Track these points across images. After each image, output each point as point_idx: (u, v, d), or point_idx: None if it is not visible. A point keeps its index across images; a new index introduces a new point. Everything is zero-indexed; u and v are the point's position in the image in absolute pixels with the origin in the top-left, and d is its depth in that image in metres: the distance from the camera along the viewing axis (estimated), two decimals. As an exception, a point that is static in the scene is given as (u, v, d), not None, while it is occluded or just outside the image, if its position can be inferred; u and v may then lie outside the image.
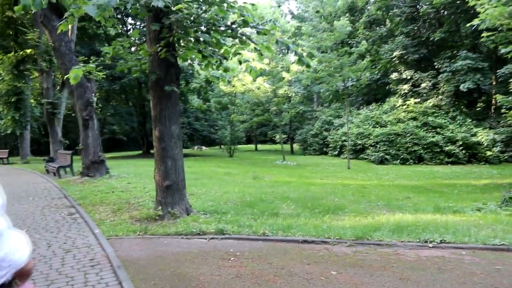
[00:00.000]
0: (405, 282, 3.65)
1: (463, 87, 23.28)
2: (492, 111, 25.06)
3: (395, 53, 27.42)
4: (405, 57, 27.40)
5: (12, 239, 0.95)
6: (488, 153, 22.32)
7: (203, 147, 42.65)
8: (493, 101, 24.17)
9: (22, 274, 1.05)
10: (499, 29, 12.42)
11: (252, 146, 47.74)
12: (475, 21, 10.96)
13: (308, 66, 5.81)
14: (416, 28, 28.26)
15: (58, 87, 22.41)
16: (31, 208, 8.10)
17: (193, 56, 6.72)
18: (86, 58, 15.87)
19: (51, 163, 16.03)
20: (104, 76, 15.07)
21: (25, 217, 7.18)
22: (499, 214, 7.09)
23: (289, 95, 30.22)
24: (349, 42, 30.00)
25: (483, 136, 22.15)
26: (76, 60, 12.98)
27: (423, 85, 26.52)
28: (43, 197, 9.61)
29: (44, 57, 20.38)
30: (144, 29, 9.91)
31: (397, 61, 28.03)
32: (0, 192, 0.89)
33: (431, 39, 26.26)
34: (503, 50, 12.76)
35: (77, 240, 5.50)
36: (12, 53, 22.63)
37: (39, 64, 21.79)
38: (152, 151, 6.85)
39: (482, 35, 12.70)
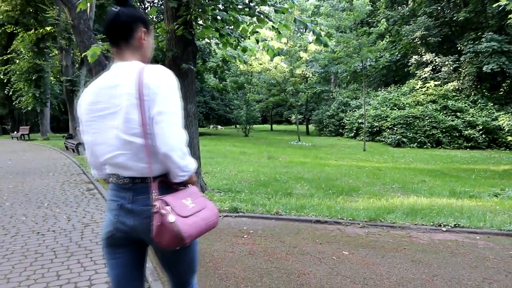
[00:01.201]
0: (416, 264, 3.66)
1: (486, 68, 22.73)
2: (516, 95, 24.50)
3: (416, 34, 26.82)
4: (427, 38, 26.77)
5: (189, 157, 1.67)
6: (509, 138, 21.90)
7: (219, 126, 42.80)
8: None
9: (192, 182, 1.78)
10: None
11: (267, 126, 47.76)
12: (502, 1, 10.63)
13: (326, 45, 5.75)
14: (439, 8, 27.54)
15: (77, 65, 22.65)
16: (52, 183, 8.32)
17: (211, 34, 6.70)
18: (104, 36, 16.02)
19: (71, 140, 16.33)
20: (122, 54, 15.18)
21: (46, 192, 7.37)
22: (516, 200, 7.00)
23: (306, 75, 29.96)
24: (369, 21, 29.45)
25: (505, 120, 21.72)
26: (95, 38, 13.04)
27: (444, 69, 25.96)
28: (62, 172, 9.83)
29: (64, 35, 20.55)
30: (162, 6, 9.88)
31: (418, 42, 27.43)
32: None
33: (455, 19, 25.58)
34: (529, 32, 12.36)
35: (95, 215, 5.65)
36: (32, 30, 22.87)
37: (58, 42, 22.01)
38: (168, 130, 6.91)
39: (509, 16, 12.32)
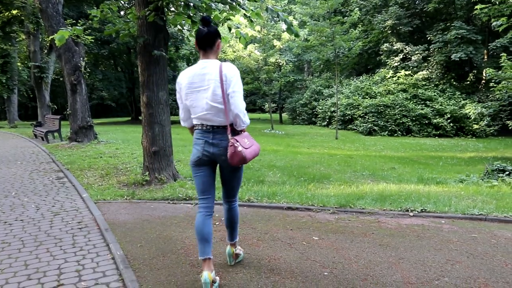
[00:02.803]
0: (384, 248, 3.77)
1: (455, 57, 23.27)
2: (482, 85, 25.19)
3: (387, 23, 27.14)
4: (398, 28, 27.15)
5: (247, 117, 2.93)
6: (475, 126, 22.58)
7: (193, 115, 42.41)
8: (483, 75, 24.28)
9: (244, 130, 3.01)
10: (492, 1, 12.34)
11: (241, 115, 47.56)
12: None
13: (297, 35, 5.76)
14: (410, -2, 27.94)
15: (46, 51, 21.97)
16: (19, 172, 8.11)
17: (183, 21, 6.62)
18: (74, 21, 15.57)
19: (39, 127, 15.92)
20: (93, 40, 14.80)
21: (13, 181, 7.20)
22: (480, 186, 7.25)
23: (280, 64, 29.96)
24: (342, 11, 29.61)
25: (471, 109, 22.34)
26: (64, 23, 12.70)
27: (414, 58, 26.42)
28: (31, 161, 9.60)
29: (31, 19, 19.87)
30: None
31: (389, 32, 27.79)
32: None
33: (425, 10, 26.02)
34: (494, 23, 12.70)
35: (65, 204, 5.56)
36: (-3, 13, 21.98)
37: (25, 26, 21.27)
38: (141, 118, 6.85)
39: (476, 7, 12.61)
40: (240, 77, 2.91)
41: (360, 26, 24.66)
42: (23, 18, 20.72)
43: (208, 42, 2.93)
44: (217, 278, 3.01)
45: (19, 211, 5.20)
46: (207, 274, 2.80)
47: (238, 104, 2.83)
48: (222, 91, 2.82)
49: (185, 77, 2.95)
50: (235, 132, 2.95)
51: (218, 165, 3.08)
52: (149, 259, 3.51)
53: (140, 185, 6.51)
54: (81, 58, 12.45)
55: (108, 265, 3.43)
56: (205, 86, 2.87)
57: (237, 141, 2.81)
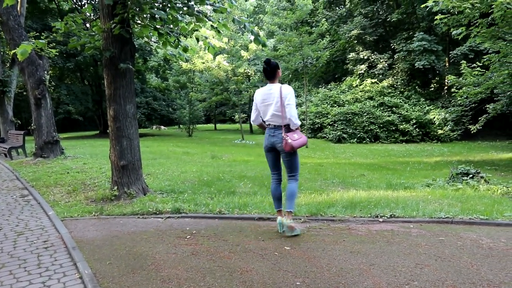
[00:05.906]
0: (355, 255, 3.81)
1: (418, 65, 24.02)
2: (445, 91, 26.03)
3: (353, 32, 27.74)
4: (363, 37, 27.80)
5: (298, 120, 4.40)
6: (440, 131, 23.25)
7: (162, 127, 41.96)
8: (446, 82, 25.10)
9: (298, 128, 4.45)
10: (451, 11, 12.81)
11: (211, 126, 47.53)
12: (429, 2, 11.22)
13: (264, 45, 5.81)
14: (374, 9, 28.66)
15: (8, 64, 21.33)
16: (-20, 191, 7.80)
17: (150, 33, 6.57)
18: (37, 34, 15.20)
19: (2, 144, 15.37)
20: (57, 54, 14.49)
21: (-27, 200, 6.91)
22: (446, 189, 7.45)
23: (249, 74, 30.08)
24: (309, 21, 30.09)
25: (435, 115, 23.02)
26: (26, 36, 12.38)
27: (379, 66, 27.08)
28: (-7, 179, 9.26)
29: (-10, 31, 19.27)
30: (98, 4, 9.52)
31: (355, 41, 28.40)
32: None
33: (389, 20, 26.77)
34: (454, 32, 13.18)
35: (30, 222, 5.37)
36: (-45, 26, 21.20)
37: (-15, 39, 20.59)
38: (109, 131, 6.71)
39: (436, 17, 13.05)
40: (294, 94, 4.36)
41: (327, 36, 25.05)
42: (-18, 31, 20.08)
43: (271, 75, 4.46)
44: (284, 218, 4.42)
45: (-19, 232, 4.99)
46: (280, 218, 4.47)
47: (291, 112, 4.25)
48: (281, 103, 4.26)
49: (259, 95, 4.50)
50: (290, 130, 4.33)
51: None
52: (119, 276, 3.42)
53: (109, 201, 6.36)
54: (45, 72, 12.15)
55: (75, 285, 3.32)
56: (271, 101, 4.35)
57: (288, 136, 4.23)
